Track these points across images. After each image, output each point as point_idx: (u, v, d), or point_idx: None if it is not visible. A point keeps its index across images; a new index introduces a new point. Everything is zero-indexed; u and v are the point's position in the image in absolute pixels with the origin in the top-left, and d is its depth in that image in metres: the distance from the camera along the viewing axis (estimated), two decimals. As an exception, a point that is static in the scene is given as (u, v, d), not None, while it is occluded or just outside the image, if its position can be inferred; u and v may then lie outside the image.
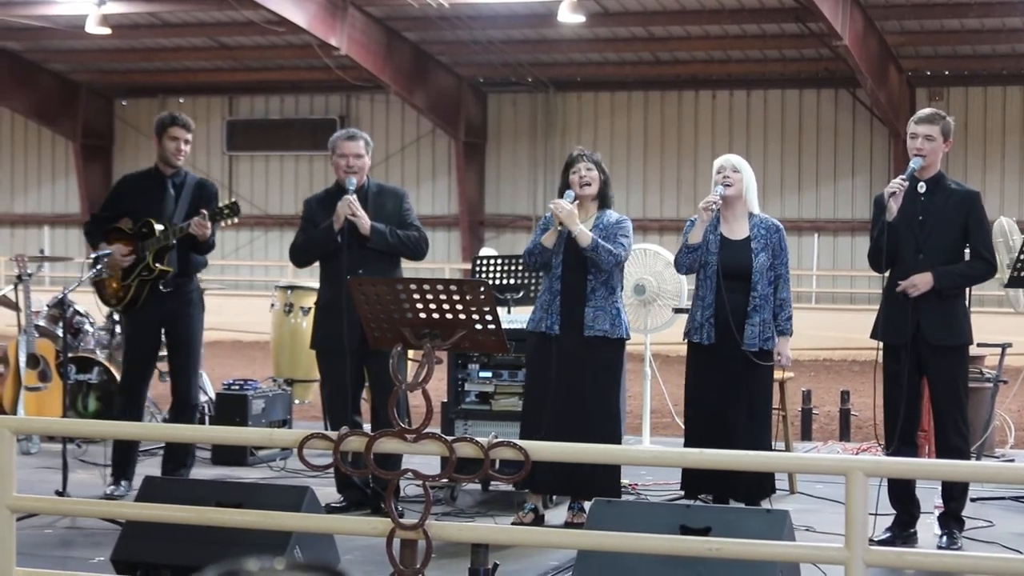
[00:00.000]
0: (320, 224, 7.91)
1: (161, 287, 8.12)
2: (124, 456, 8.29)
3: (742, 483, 7.34)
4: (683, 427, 7.84)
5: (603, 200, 7.60)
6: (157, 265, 8.07)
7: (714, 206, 7.41)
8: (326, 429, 7.82)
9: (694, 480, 7.55)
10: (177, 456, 8.26)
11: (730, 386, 7.37)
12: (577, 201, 7.49)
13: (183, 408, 8.28)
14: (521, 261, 8.81)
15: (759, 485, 7.45)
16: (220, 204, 8.08)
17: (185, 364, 8.29)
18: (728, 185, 7.46)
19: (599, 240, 7.38)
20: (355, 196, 7.77)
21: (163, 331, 8.29)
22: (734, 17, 19.44)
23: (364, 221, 7.73)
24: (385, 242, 7.81)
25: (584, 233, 7.38)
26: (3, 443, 5.18)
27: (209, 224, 7.95)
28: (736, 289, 7.39)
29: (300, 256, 8.14)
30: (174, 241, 8.04)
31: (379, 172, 21.50)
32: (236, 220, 8.04)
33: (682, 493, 7.89)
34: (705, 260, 7.47)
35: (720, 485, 7.41)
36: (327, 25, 19.50)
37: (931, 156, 7.09)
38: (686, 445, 7.51)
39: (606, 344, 7.43)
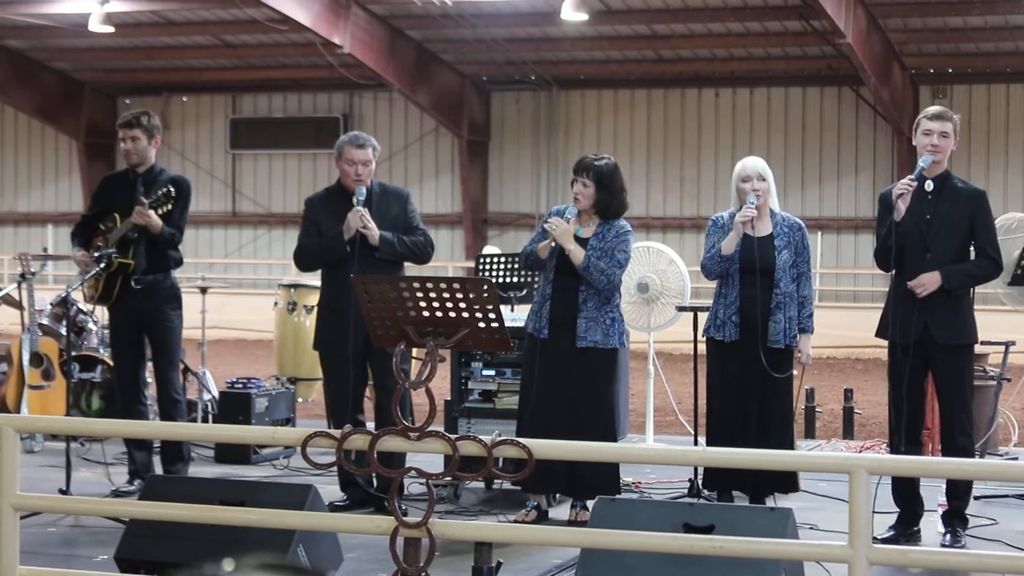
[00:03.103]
0: (322, 225, 7.88)
1: (133, 283, 8.15)
2: (140, 454, 8.32)
3: (765, 480, 7.36)
4: (686, 425, 7.84)
5: (605, 212, 7.51)
6: (116, 259, 8.09)
7: (752, 223, 7.37)
8: (329, 428, 7.82)
9: (720, 477, 7.56)
10: (172, 451, 8.26)
11: (754, 383, 7.37)
12: (576, 216, 7.48)
13: (165, 405, 8.34)
14: (518, 262, 8.81)
15: (782, 481, 7.48)
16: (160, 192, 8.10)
17: (162, 362, 8.33)
18: (759, 196, 7.44)
19: (591, 259, 7.33)
20: (366, 210, 7.74)
21: (142, 330, 8.33)
22: (737, 15, 19.43)
23: (374, 232, 7.71)
24: (394, 251, 7.79)
25: (577, 253, 7.34)
26: (7, 442, 5.18)
27: (149, 212, 7.97)
28: (759, 286, 7.39)
29: (306, 261, 8.10)
30: (134, 234, 8.08)
31: (382, 171, 21.44)
32: (170, 206, 8.04)
33: (686, 491, 7.90)
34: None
35: (742, 482, 7.43)
36: (330, 23, 19.50)
37: (943, 154, 7.08)
38: (708, 442, 7.52)
39: (597, 354, 7.41)
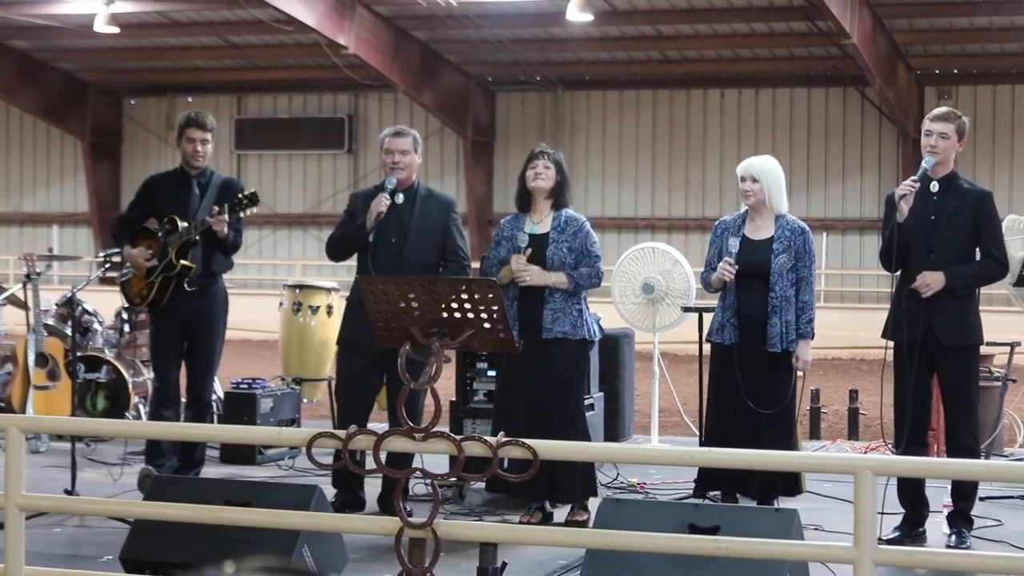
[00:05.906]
0: (359, 217, 7.83)
1: (186, 286, 8.10)
2: (155, 443, 8.29)
3: (768, 484, 7.33)
4: (691, 426, 7.83)
5: (559, 197, 7.56)
6: (180, 261, 8.05)
7: (727, 277, 7.39)
8: (334, 425, 7.80)
9: (713, 479, 7.54)
10: (188, 455, 8.23)
11: (751, 387, 7.33)
12: (528, 252, 7.47)
13: (197, 408, 8.25)
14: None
15: (785, 485, 7.46)
16: (240, 195, 8.04)
17: (203, 364, 8.26)
18: (749, 197, 7.43)
19: (574, 276, 7.39)
20: (389, 199, 7.66)
21: (185, 335, 8.24)
22: (743, 16, 19.43)
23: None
24: None
25: (559, 281, 7.40)
26: (12, 442, 5.19)
27: (227, 216, 7.91)
28: (756, 289, 7.37)
29: (333, 249, 8.00)
30: (196, 237, 8.02)
31: (387, 171, 21.49)
32: (255, 209, 8.00)
33: (690, 492, 7.89)
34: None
35: (744, 485, 7.41)
36: (335, 24, 19.51)
37: (945, 155, 7.06)
38: (704, 444, 7.50)
39: (567, 344, 7.43)
